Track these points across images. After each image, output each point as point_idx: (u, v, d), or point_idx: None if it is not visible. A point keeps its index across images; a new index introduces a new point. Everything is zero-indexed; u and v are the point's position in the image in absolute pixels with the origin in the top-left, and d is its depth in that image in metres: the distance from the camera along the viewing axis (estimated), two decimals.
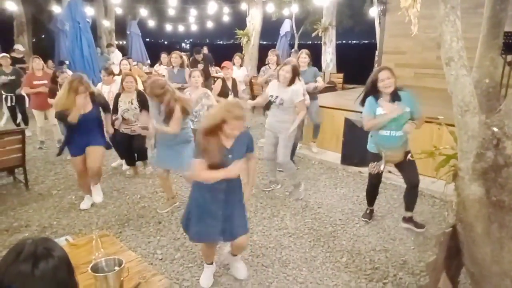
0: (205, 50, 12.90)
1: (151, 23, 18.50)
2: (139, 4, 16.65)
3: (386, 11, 9.72)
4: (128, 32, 16.44)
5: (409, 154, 3.69)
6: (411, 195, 3.88)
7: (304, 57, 5.84)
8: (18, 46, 10.58)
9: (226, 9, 16.00)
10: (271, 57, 6.66)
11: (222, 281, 3.12)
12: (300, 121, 4.68)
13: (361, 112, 5.88)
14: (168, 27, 20.26)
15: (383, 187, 5.05)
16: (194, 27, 20.20)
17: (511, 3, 2.26)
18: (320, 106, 6.18)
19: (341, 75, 10.99)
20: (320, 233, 3.90)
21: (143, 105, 5.01)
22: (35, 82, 6.35)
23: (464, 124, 2.10)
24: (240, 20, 13.04)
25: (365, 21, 15.09)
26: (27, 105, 7.28)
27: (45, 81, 6.33)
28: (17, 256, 1.18)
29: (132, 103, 5.02)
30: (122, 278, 2.00)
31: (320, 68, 10.08)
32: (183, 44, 49.77)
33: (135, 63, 13.69)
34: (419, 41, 8.11)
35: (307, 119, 6.06)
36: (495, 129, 2.00)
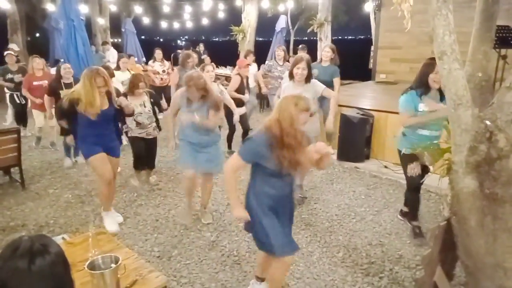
0: (201, 47, 12.88)
1: (146, 21, 18.38)
2: (133, 1, 16.58)
3: (381, 6, 9.72)
4: (123, 30, 16.35)
5: None
6: (418, 198, 3.71)
7: (327, 51, 5.55)
8: (12, 46, 10.48)
9: (221, 6, 15.95)
10: (279, 52, 6.48)
11: (220, 278, 3.13)
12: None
13: (357, 108, 5.94)
14: (163, 24, 20.16)
15: (379, 182, 5.08)
16: (189, 24, 20.10)
17: None
18: None
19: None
20: (317, 228, 3.92)
21: (157, 104, 4.80)
22: (35, 83, 6.12)
23: (457, 117, 2.12)
24: (235, 17, 12.98)
25: (361, 16, 15.09)
26: (28, 105, 7.05)
27: (46, 81, 6.04)
28: (14, 252, 1.19)
29: (145, 106, 4.62)
30: (119, 276, 2.01)
31: None
32: (179, 41, 49.54)
33: (143, 60, 13.64)
34: (414, 35, 8.13)
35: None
36: (488, 122, 2.01)
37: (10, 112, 7.44)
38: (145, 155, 4.82)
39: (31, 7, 14.61)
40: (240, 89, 5.89)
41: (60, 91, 5.23)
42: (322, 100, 4.68)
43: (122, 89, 5.34)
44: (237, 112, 5.36)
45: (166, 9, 16.17)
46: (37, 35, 19.24)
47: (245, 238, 3.70)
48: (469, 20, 2.77)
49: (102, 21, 15.60)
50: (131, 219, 4.09)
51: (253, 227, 2.55)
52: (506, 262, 2.07)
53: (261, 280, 2.84)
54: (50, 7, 12.91)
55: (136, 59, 12.68)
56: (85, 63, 7.49)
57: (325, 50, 5.64)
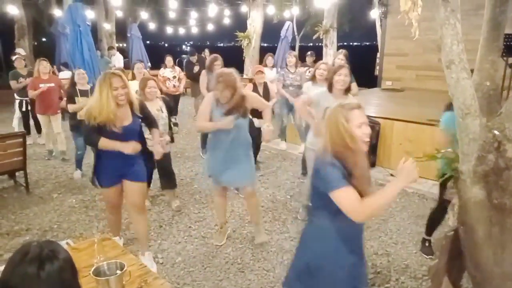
0: (206, 52, 12.92)
1: (152, 26, 18.52)
2: (139, 6, 16.72)
3: (387, 13, 9.73)
4: (128, 35, 16.47)
5: None
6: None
7: (341, 58, 5.26)
8: (19, 50, 10.58)
9: (227, 12, 16.03)
10: (290, 59, 6.18)
11: (223, 285, 3.11)
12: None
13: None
14: (169, 30, 20.28)
15: None
16: (194, 30, 20.23)
17: (511, 5, 2.25)
18: None
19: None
20: None
21: (170, 111, 4.44)
22: (40, 85, 5.96)
23: (465, 127, 2.10)
24: (241, 23, 13.05)
25: (366, 23, 15.11)
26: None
27: (52, 84, 6.01)
28: (23, 258, 1.20)
29: (162, 111, 4.17)
30: (124, 282, 2.00)
31: None
32: (184, 47, 49.81)
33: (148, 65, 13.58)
34: (420, 43, 8.11)
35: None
36: (496, 132, 2.00)
37: (16, 117, 7.37)
38: (158, 171, 4.32)
39: (38, 13, 14.77)
40: None
41: (76, 97, 5.14)
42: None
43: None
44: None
45: (171, 14, 16.28)
46: (44, 40, 19.42)
47: (249, 246, 3.68)
48: (476, 28, 2.76)
49: (108, 26, 15.73)
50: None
51: None
52: None
53: None
54: (57, 13, 13.05)
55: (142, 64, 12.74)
56: (90, 68, 7.56)
57: (339, 57, 5.43)
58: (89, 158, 5.33)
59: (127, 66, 10.51)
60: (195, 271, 3.29)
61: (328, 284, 1.91)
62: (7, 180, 5.22)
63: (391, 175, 5.47)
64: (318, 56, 8.87)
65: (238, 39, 11.79)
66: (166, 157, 4.31)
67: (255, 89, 5.53)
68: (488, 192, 2.08)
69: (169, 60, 8.18)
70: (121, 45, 20.69)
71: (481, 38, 2.36)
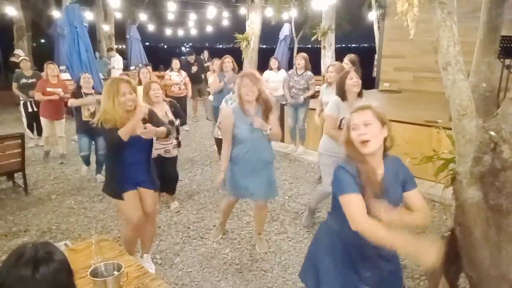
0: (205, 54, 12.93)
1: (151, 27, 18.54)
2: (138, 8, 16.72)
3: (385, 15, 9.76)
4: (127, 36, 16.50)
5: None
6: None
7: (346, 63, 5.14)
8: (18, 51, 10.57)
9: (226, 13, 16.07)
10: (299, 61, 6.04)
11: (221, 286, 3.12)
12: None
13: None
14: (168, 31, 20.30)
15: None
16: (193, 31, 20.26)
17: (507, 8, 2.27)
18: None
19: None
20: None
21: (178, 115, 4.34)
22: (48, 89, 5.93)
23: (462, 128, 2.12)
24: (239, 24, 13.06)
25: (364, 25, 15.14)
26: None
27: (59, 89, 5.96)
28: (18, 260, 1.20)
29: (168, 115, 4.11)
30: (121, 283, 2.00)
31: (319, 72, 10.10)
32: (183, 48, 49.80)
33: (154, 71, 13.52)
34: (418, 45, 8.14)
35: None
36: (492, 133, 2.01)
37: (24, 121, 7.27)
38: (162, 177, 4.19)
39: (37, 14, 14.76)
40: None
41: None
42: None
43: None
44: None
45: (170, 16, 16.29)
46: (43, 41, 19.41)
47: (247, 246, 3.69)
48: (473, 30, 2.78)
49: (107, 28, 15.73)
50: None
51: None
52: (511, 274, 2.05)
53: None
54: (55, 14, 13.04)
55: (140, 65, 12.74)
56: (88, 70, 7.56)
57: (345, 62, 5.22)
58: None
59: (126, 67, 10.51)
60: (193, 271, 3.30)
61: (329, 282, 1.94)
62: (5, 181, 5.21)
63: None
64: (317, 58, 8.88)
65: (236, 41, 11.79)
66: (173, 161, 4.33)
67: None
68: (485, 193, 2.10)
69: (175, 63, 7.95)
70: (120, 46, 20.69)
71: (478, 40, 2.38)
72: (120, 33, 17.91)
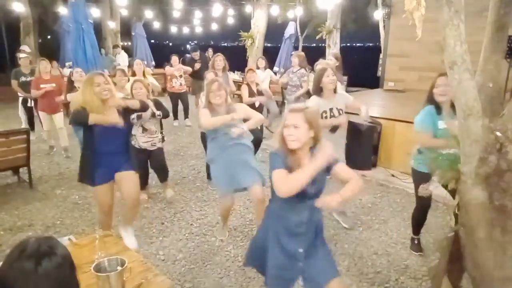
0: (210, 52, 12.93)
1: (156, 25, 18.53)
2: (144, 6, 16.71)
3: (391, 14, 9.71)
4: (133, 34, 16.51)
5: None
6: (425, 217, 3.58)
7: (330, 59, 5.38)
8: (24, 47, 10.62)
9: (231, 11, 16.03)
10: (293, 59, 6.43)
11: (224, 283, 3.13)
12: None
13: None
14: (173, 29, 20.29)
15: (386, 191, 5.04)
16: (198, 29, 20.24)
17: None
18: None
19: (345, 78, 10.98)
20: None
21: (161, 109, 4.39)
22: (42, 86, 6.07)
23: (467, 128, 2.10)
24: (244, 22, 13.07)
25: (370, 24, 15.05)
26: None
27: (53, 84, 6.07)
28: (21, 253, 1.21)
29: (152, 109, 4.19)
30: (124, 278, 2.01)
31: None
32: (188, 46, 49.74)
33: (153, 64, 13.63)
34: (423, 44, 8.08)
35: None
36: (498, 133, 2.00)
37: (23, 117, 7.35)
38: (152, 166, 4.67)
39: (44, 10, 14.81)
40: (250, 96, 5.85)
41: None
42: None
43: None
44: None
45: (176, 14, 16.29)
46: (49, 37, 19.46)
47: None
48: (480, 29, 2.76)
49: (113, 25, 15.76)
50: (137, 222, 4.09)
51: None
52: None
53: None
54: (62, 10, 13.08)
55: (145, 62, 12.75)
56: (93, 66, 7.58)
57: (329, 58, 5.57)
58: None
59: (132, 64, 10.54)
60: (195, 268, 3.31)
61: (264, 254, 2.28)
62: (10, 176, 5.25)
63: (392, 175, 5.47)
64: (322, 56, 8.85)
65: (241, 38, 11.79)
66: (159, 151, 4.59)
67: (250, 89, 5.73)
68: (490, 194, 2.08)
69: (174, 59, 8.21)
70: (125, 43, 20.74)
71: (485, 39, 2.36)
72: (126, 30, 17.94)
